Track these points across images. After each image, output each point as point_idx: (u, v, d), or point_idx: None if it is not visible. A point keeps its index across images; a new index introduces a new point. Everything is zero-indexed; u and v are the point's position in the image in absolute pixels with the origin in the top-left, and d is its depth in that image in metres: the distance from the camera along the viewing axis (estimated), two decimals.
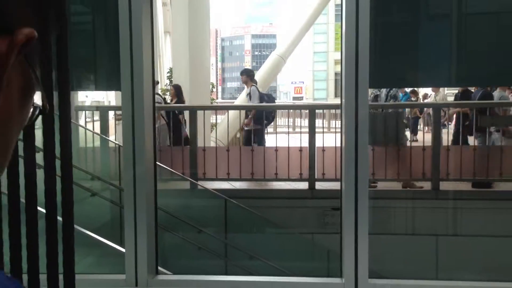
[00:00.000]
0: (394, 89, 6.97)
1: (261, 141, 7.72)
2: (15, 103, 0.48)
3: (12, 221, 1.92)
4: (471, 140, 7.38)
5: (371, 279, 2.79)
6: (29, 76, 0.49)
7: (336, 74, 49.06)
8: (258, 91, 8.16)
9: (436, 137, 6.57)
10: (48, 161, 1.92)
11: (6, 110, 0.46)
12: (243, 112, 8.01)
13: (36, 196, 1.91)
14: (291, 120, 13.40)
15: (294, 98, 47.53)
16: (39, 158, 1.96)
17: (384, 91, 7.02)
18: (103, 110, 6.95)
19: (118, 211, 4.89)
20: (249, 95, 8.08)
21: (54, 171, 1.94)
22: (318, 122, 8.38)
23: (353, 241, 2.82)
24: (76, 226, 3.38)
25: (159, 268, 2.94)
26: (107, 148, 6.41)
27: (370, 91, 8.51)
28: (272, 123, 8.61)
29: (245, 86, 8.47)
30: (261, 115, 7.68)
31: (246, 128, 7.82)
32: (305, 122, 8.19)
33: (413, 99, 11.13)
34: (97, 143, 6.33)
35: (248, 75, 8.46)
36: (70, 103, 1.92)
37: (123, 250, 2.87)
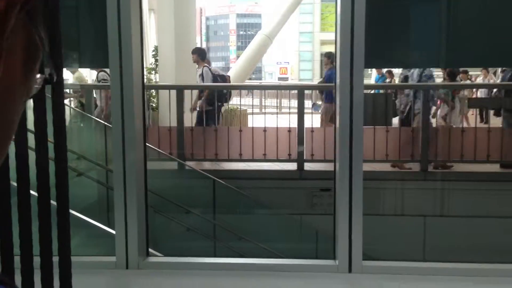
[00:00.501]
0: (428, 69, 6.79)
1: (213, 123, 7.48)
2: (18, 70, 0.42)
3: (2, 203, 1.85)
4: None
5: (365, 261, 2.78)
6: (33, 40, 0.43)
7: (321, 54, 48.87)
8: (211, 71, 7.88)
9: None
10: (40, 141, 1.84)
11: (9, 79, 0.41)
12: (195, 92, 7.64)
13: (29, 178, 1.84)
14: (278, 100, 13.32)
15: (280, 79, 47.29)
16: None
17: (416, 71, 6.83)
18: (88, 88, 6.81)
19: (105, 192, 4.82)
20: (202, 76, 7.82)
21: (46, 151, 1.86)
22: (307, 103, 8.32)
23: (347, 222, 2.81)
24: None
25: (150, 250, 2.90)
26: (92, 127, 6.30)
27: (399, 71, 8.33)
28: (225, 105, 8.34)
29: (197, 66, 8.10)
30: (213, 97, 7.46)
31: (198, 110, 7.58)
32: (293, 103, 8.13)
33: (388, 80, 10.81)
34: (83, 122, 6.21)
35: (199, 55, 8.14)
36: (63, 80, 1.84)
37: (112, 231, 2.81)
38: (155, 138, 6.50)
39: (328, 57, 8.22)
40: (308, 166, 6.48)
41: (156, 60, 11.61)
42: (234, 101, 10.35)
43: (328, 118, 7.11)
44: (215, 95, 7.45)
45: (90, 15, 3.10)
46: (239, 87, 8.27)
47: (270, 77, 58.60)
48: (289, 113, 6.98)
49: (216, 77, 7.90)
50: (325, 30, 47.45)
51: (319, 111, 8.12)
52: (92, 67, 6.12)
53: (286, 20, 14.42)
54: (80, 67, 3.46)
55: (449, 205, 6.02)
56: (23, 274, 1.87)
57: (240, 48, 62.57)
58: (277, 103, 9.37)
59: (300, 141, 6.47)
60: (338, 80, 2.81)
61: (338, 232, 2.81)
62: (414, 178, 6.30)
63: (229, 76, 9.00)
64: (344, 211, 2.78)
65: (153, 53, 12.51)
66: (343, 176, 2.78)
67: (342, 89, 2.77)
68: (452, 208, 5.91)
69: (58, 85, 1.85)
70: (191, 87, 7.76)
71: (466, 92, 9.42)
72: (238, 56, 14.86)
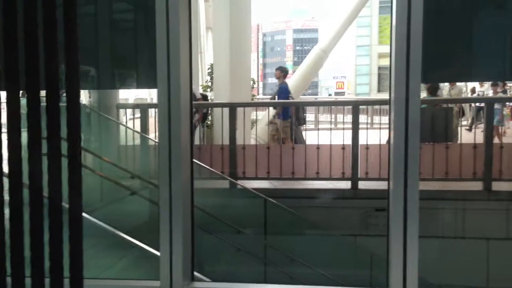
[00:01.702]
0: None
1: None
2: None
3: None
4: None
5: None
6: None
7: (379, 68, 48.09)
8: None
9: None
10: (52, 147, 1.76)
11: None
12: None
13: (21, 182, 1.76)
14: (333, 116, 13.11)
15: (336, 93, 46.91)
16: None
17: None
18: (143, 108, 6.93)
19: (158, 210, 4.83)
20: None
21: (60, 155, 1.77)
22: (361, 118, 8.11)
23: (401, 245, 2.63)
24: (109, 227, 3.34)
25: (195, 273, 2.83)
26: (147, 146, 6.38)
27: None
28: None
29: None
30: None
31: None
32: (348, 118, 7.94)
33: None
34: (138, 141, 6.32)
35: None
36: (79, 86, 1.77)
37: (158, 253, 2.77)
38: (208, 156, 6.51)
39: (282, 71, 8.26)
40: (362, 184, 6.28)
41: (211, 78, 11.75)
42: None
43: (287, 135, 7.08)
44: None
45: (140, 34, 3.12)
46: (290, 104, 8.18)
47: (326, 92, 58.20)
48: (343, 128, 6.80)
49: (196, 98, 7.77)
50: (383, 43, 46.71)
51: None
52: (141, 87, 6.24)
53: (343, 34, 14.25)
54: (130, 88, 3.52)
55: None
56: None
57: (297, 63, 62.66)
58: (331, 118, 9.18)
59: (355, 159, 6.28)
60: (392, 95, 2.67)
61: (391, 256, 2.63)
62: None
63: (207, 96, 9.15)
64: (398, 233, 2.61)
65: (209, 70, 12.69)
66: (398, 196, 2.61)
67: (397, 105, 2.62)
68: None
69: (71, 89, 1.78)
70: (244, 105, 7.76)
71: None
72: (294, 72, 14.85)
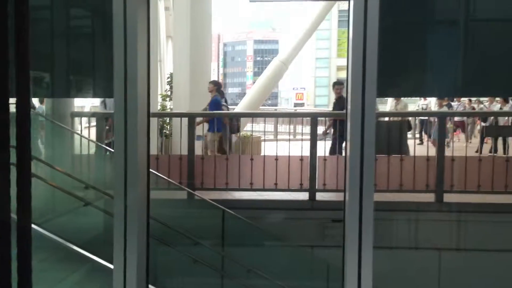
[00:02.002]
0: None
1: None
2: None
3: None
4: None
5: None
6: None
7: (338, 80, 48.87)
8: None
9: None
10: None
11: None
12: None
13: None
14: (291, 126, 13.25)
15: (296, 104, 47.36)
16: None
17: None
18: (99, 117, 6.80)
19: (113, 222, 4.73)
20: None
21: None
22: (320, 130, 8.17)
23: (356, 256, 2.67)
24: (62, 240, 3.24)
25: (150, 286, 2.78)
26: (103, 155, 6.26)
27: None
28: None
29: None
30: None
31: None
32: (306, 129, 8.02)
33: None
34: (93, 150, 6.18)
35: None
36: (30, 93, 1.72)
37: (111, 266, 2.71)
38: (166, 166, 6.43)
39: (214, 84, 8.45)
40: (320, 196, 6.34)
41: (171, 87, 11.66)
42: (248, 127, 10.29)
43: (214, 148, 7.20)
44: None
45: (96, 42, 3.06)
46: (251, 115, 8.20)
47: (286, 103, 58.73)
48: (302, 139, 6.86)
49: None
50: (341, 56, 47.61)
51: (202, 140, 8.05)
52: (97, 96, 6.12)
53: (303, 46, 14.46)
54: (86, 96, 3.42)
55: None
56: None
57: (257, 74, 62.96)
58: (289, 129, 9.27)
59: (313, 170, 6.35)
60: (349, 108, 2.71)
61: (346, 267, 2.66)
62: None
63: None
64: (354, 243, 2.64)
65: (168, 79, 12.59)
66: (353, 207, 2.65)
67: (353, 117, 2.66)
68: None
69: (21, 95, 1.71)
70: (201, 115, 7.73)
71: None
72: (254, 82, 14.94)
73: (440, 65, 2.83)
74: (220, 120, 7.99)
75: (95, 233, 4.43)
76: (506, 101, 10.35)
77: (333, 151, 7.66)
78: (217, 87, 8.65)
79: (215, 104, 8.35)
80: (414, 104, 15.23)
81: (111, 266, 2.76)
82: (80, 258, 2.88)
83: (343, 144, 6.45)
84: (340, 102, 8.39)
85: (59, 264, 3.14)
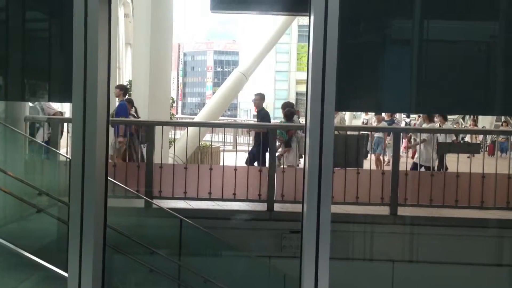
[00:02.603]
0: None
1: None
2: None
3: None
4: None
5: None
6: None
7: (297, 94, 49.56)
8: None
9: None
10: None
11: None
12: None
13: None
14: (251, 138, 13.30)
15: (255, 116, 47.63)
16: None
17: None
18: (54, 122, 6.63)
19: (67, 229, 4.61)
20: None
21: None
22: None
23: (313, 267, 2.70)
24: (13, 246, 3.14)
25: None
26: (58, 162, 6.10)
27: None
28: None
29: None
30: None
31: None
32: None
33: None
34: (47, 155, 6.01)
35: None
36: None
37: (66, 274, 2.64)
38: (123, 174, 6.34)
39: (121, 89, 8.50)
40: (278, 206, 6.39)
41: (130, 95, 11.51)
42: (207, 137, 10.27)
43: (120, 154, 7.19)
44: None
45: (55, 44, 3.00)
46: (210, 125, 8.18)
47: (245, 114, 58.90)
48: (261, 151, 6.91)
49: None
50: (301, 70, 48.33)
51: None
52: (55, 101, 5.99)
53: (263, 59, 14.60)
54: (44, 101, 3.33)
55: None
56: None
57: (217, 85, 62.97)
58: (248, 140, 9.31)
59: (271, 181, 6.39)
60: (308, 121, 2.76)
61: (303, 277, 2.69)
62: None
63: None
64: (311, 254, 2.68)
65: (127, 87, 12.42)
66: (311, 218, 2.69)
67: (312, 130, 2.71)
68: None
69: None
70: (162, 123, 7.67)
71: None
72: (214, 92, 14.96)
73: (396, 81, 2.93)
74: (129, 127, 7.65)
75: (49, 240, 4.32)
76: (445, 119, 10.52)
77: (251, 161, 7.86)
78: (124, 92, 8.52)
79: (122, 109, 8.17)
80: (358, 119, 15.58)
81: (65, 274, 2.70)
82: (33, 266, 2.79)
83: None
84: (259, 115, 9.07)
85: (10, 271, 3.03)
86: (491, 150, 12.16)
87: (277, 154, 7.15)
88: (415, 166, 8.22)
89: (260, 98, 9.36)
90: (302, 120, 9.94)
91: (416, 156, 8.94)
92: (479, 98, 2.96)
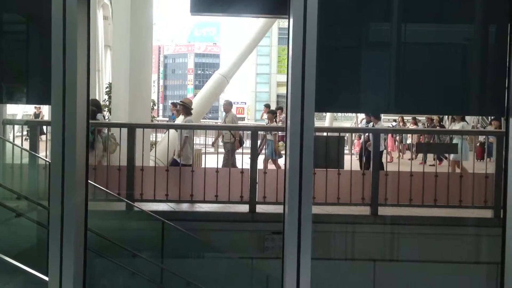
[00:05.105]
0: None
1: None
2: None
3: None
4: None
5: None
6: None
7: (278, 96, 49.70)
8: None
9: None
10: None
11: None
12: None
13: None
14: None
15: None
16: None
17: None
18: (33, 124, 6.55)
19: (47, 233, 4.56)
20: None
21: None
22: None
23: (295, 267, 2.72)
24: None
25: None
26: (37, 165, 6.02)
27: None
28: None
29: None
30: None
31: None
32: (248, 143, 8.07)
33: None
34: (26, 160, 5.93)
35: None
36: None
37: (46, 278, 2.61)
38: (104, 177, 6.29)
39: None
40: (260, 208, 6.40)
41: (109, 97, 11.43)
42: None
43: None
44: None
45: (33, 46, 2.97)
46: (191, 127, 8.13)
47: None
48: (242, 153, 6.93)
49: None
50: (281, 72, 48.46)
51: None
52: (34, 103, 5.92)
53: (243, 61, 14.63)
54: (22, 103, 3.29)
55: None
56: None
57: (198, 87, 62.81)
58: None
59: (253, 183, 6.40)
60: (288, 122, 2.78)
61: (285, 278, 2.71)
62: None
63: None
64: (292, 254, 2.70)
65: (107, 89, 12.34)
66: (292, 219, 2.71)
67: (292, 131, 2.73)
68: None
69: None
70: (143, 126, 7.63)
71: None
72: (195, 95, 14.93)
73: (374, 83, 2.97)
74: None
75: (28, 245, 4.26)
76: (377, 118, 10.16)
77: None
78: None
79: None
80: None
81: (46, 278, 2.67)
82: (12, 270, 2.76)
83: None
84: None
85: None
86: (480, 154, 11.38)
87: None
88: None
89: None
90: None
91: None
92: (453, 98, 3.03)
